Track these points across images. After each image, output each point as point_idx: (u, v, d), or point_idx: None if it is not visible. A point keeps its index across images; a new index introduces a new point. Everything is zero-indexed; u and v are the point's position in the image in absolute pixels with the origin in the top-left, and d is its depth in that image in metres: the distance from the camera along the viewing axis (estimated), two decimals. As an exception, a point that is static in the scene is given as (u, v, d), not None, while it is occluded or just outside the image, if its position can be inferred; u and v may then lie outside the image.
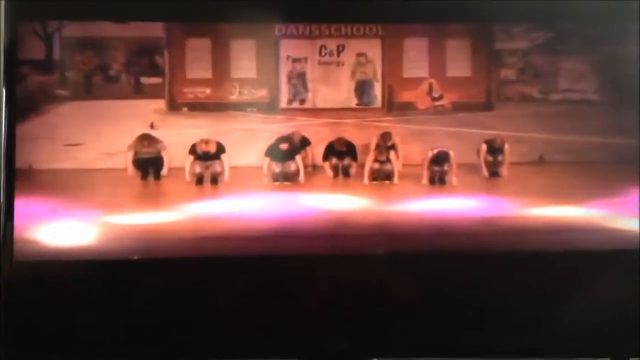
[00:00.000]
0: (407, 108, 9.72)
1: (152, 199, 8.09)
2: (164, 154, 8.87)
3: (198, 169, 8.82)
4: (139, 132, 8.71)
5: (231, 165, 9.45)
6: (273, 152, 9.02)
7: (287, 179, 8.98)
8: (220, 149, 8.95)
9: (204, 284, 6.23)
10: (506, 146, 8.96)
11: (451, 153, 8.84)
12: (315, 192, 8.42)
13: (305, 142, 9.26)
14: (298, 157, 9.07)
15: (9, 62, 6.32)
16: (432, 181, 8.83)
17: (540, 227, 6.90)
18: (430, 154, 8.97)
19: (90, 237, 6.44)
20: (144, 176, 8.98)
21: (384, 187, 8.79)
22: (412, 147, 9.31)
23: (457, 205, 7.70)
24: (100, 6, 6.53)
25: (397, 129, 9.39)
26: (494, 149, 9.07)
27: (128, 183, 8.83)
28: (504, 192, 8.35)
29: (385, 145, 9.16)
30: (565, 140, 8.33)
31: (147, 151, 8.87)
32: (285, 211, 7.57)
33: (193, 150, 8.99)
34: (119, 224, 6.88)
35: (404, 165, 9.12)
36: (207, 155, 8.98)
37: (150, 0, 7.00)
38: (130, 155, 8.71)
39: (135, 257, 6.41)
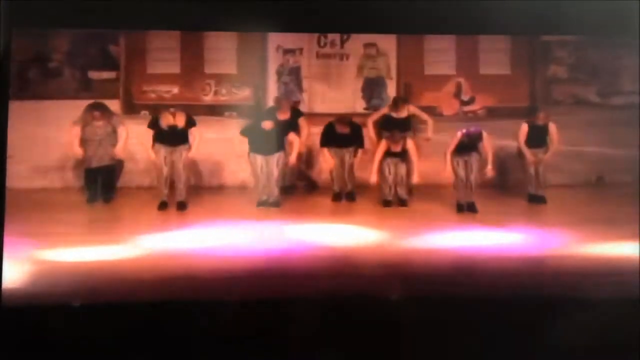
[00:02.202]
0: (429, 114, 9.46)
1: (102, 229, 7.76)
2: (121, 131, 8.55)
3: (162, 152, 8.48)
4: (87, 147, 8.33)
5: (203, 185, 9.12)
6: (253, 133, 8.59)
7: (274, 202, 8.62)
8: (190, 123, 8.57)
9: (166, 336, 5.80)
10: (551, 126, 8.56)
11: (484, 134, 8.47)
12: (311, 220, 8.10)
13: (297, 114, 8.94)
14: (293, 135, 8.67)
15: (2, 70, 6.41)
16: (460, 208, 8.49)
17: (598, 268, 6.64)
18: (458, 134, 8.53)
19: (19, 277, 6.15)
20: (92, 198, 8.64)
21: (398, 215, 8.47)
22: (435, 164, 9.02)
23: (492, 239, 7.37)
24: (97, 13, 6.75)
25: (416, 140, 9.07)
26: (536, 127, 8.65)
27: (70, 207, 8.45)
28: (552, 222, 8.04)
29: (398, 105, 8.79)
30: (630, 156, 8.03)
31: (99, 126, 8.52)
32: (273, 245, 7.25)
33: (155, 123, 8.55)
34: (56, 262, 6.53)
35: (424, 186, 8.80)
36: (173, 131, 8.53)
37: (147, 9, 6.85)
38: (76, 131, 8.37)
39: (77, 304, 6.03)
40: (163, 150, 8.56)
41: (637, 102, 8.01)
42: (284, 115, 8.90)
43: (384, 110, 9.22)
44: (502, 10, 6.89)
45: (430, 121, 9.15)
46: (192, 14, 6.71)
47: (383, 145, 8.89)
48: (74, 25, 7.51)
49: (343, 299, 6.16)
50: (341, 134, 9.09)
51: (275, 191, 8.84)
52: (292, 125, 8.86)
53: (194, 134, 8.67)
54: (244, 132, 8.71)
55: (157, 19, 6.87)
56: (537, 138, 8.69)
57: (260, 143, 8.55)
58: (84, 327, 5.81)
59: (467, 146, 8.52)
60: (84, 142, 8.70)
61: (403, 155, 8.79)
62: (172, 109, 8.87)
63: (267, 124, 8.56)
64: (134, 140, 8.89)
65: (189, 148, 8.61)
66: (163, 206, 8.67)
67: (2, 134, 6.30)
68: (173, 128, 8.57)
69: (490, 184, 9.19)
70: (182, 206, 8.73)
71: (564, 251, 7.19)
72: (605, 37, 7.86)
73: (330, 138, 9.04)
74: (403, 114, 9.01)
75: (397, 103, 9.23)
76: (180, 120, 8.71)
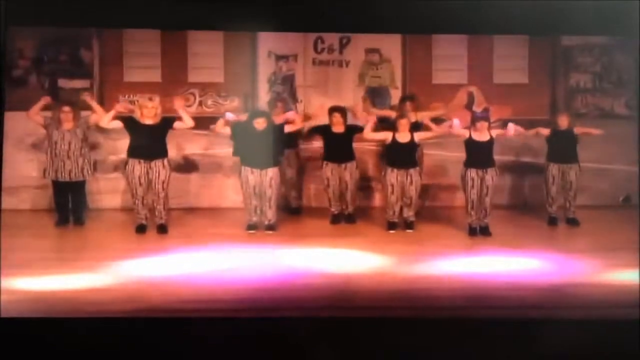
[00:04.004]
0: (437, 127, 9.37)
1: (71, 254, 7.66)
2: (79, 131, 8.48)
3: (137, 171, 8.37)
4: (55, 159, 8.28)
5: (186, 207, 9.04)
6: (243, 137, 8.46)
7: (269, 226, 8.52)
8: (167, 122, 8.42)
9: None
10: (578, 129, 8.50)
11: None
12: (307, 244, 8.03)
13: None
14: (292, 113, 8.61)
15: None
16: (472, 230, 8.41)
17: (622, 297, 6.52)
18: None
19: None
20: (62, 220, 8.55)
21: (404, 239, 8.39)
22: (444, 182, 8.95)
23: (507, 265, 7.30)
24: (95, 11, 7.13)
25: (423, 157, 9.00)
26: (560, 134, 8.61)
27: (38, 231, 8.35)
28: (572, 247, 8.00)
29: (404, 105, 8.76)
30: (661, 175, 7.97)
31: (68, 128, 8.47)
32: (265, 273, 7.19)
33: (131, 123, 8.37)
34: (23, 290, 6.44)
35: (432, 208, 8.76)
36: (150, 135, 8.31)
37: (148, 6, 6.90)
38: (38, 119, 8.34)
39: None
40: (138, 167, 8.49)
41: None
42: (279, 120, 8.85)
43: (388, 112, 9.19)
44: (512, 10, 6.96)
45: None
46: (177, 13, 6.79)
47: (384, 135, 8.83)
48: (59, 22, 7.60)
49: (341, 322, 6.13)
50: (337, 134, 9.02)
51: (270, 213, 8.79)
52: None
53: (182, 124, 8.64)
54: (232, 136, 8.65)
55: (149, 17, 7.00)
56: (564, 149, 8.67)
57: (251, 151, 8.48)
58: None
59: (482, 154, 8.48)
60: (49, 144, 8.74)
61: (409, 156, 8.71)
62: (149, 97, 8.87)
63: (260, 123, 8.47)
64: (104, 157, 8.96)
65: (168, 162, 8.57)
66: (141, 230, 8.62)
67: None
68: (150, 129, 8.47)
69: (508, 205, 9.24)
70: (161, 229, 8.68)
71: (587, 278, 7.17)
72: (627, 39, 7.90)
73: (325, 139, 9.00)
74: (410, 118, 8.97)
75: (403, 103, 9.21)
76: (157, 108, 8.63)
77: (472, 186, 8.67)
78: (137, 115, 8.60)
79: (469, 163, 8.67)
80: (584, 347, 5.76)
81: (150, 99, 8.67)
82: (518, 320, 6.22)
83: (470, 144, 8.62)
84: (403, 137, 8.87)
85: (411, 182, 8.88)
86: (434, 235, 8.74)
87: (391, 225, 9.01)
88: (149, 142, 8.60)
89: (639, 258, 6.77)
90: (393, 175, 8.90)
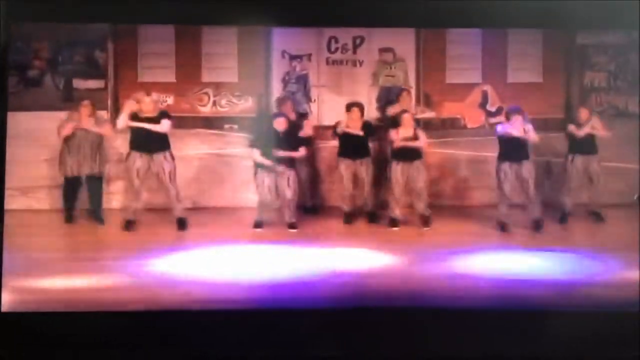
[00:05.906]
0: (451, 126, 9.56)
1: (79, 252, 7.77)
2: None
3: (138, 162, 8.46)
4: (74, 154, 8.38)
5: (199, 206, 9.13)
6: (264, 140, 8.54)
7: (291, 224, 8.55)
8: (163, 114, 8.51)
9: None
10: (594, 120, 8.55)
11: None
12: (317, 243, 8.09)
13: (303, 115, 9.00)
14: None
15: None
16: (503, 227, 8.44)
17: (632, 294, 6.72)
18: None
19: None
20: (69, 216, 8.55)
21: (418, 236, 8.41)
22: (459, 184, 9.00)
23: (525, 262, 7.41)
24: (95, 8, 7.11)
25: (436, 155, 9.07)
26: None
27: (49, 230, 8.43)
28: (586, 243, 8.03)
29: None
30: (676, 175, 8.04)
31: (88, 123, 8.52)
32: (275, 273, 7.23)
33: (134, 117, 8.46)
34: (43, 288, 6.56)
35: (447, 207, 8.80)
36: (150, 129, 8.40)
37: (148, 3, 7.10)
38: (66, 129, 8.40)
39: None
40: (139, 160, 8.54)
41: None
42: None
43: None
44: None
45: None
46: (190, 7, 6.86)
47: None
48: (68, 19, 7.66)
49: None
50: (354, 136, 9.05)
51: (290, 213, 8.85)
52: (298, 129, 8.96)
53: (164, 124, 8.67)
54: (254, 145, 8.75)
55: (153, 14, 7.05)
56: (586, 141, 8.71)
57: (273, 144, 8.58)
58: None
59: (516, 145, 8.44)
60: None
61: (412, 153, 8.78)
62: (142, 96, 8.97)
63: (280, 123, 8.57)
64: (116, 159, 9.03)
65: (170, 155, 8.61)
66: (129, 225, 8.64)
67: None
68: (149, 122, 8.54)
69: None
70: (182, 224, 8.75)
71: (599, 278, 7.24)
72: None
73: (345, 142, 9.02)
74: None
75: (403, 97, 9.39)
76: (156, 102, 8.72)
77: (505, 177, 8.64)
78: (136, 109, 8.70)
79: (503, 152, 8.79)
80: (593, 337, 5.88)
81: (148, 94, 8.73)
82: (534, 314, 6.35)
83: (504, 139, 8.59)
84: (407, 132, 8.89)
85: (418, 174, 8.89)
86: (448, 233, 8.74)
87: (393, 223, 9.00)
88: (149, 135, 8.74)
89: (639, 257, 6.85)
90: (398, 169, 9.08)
